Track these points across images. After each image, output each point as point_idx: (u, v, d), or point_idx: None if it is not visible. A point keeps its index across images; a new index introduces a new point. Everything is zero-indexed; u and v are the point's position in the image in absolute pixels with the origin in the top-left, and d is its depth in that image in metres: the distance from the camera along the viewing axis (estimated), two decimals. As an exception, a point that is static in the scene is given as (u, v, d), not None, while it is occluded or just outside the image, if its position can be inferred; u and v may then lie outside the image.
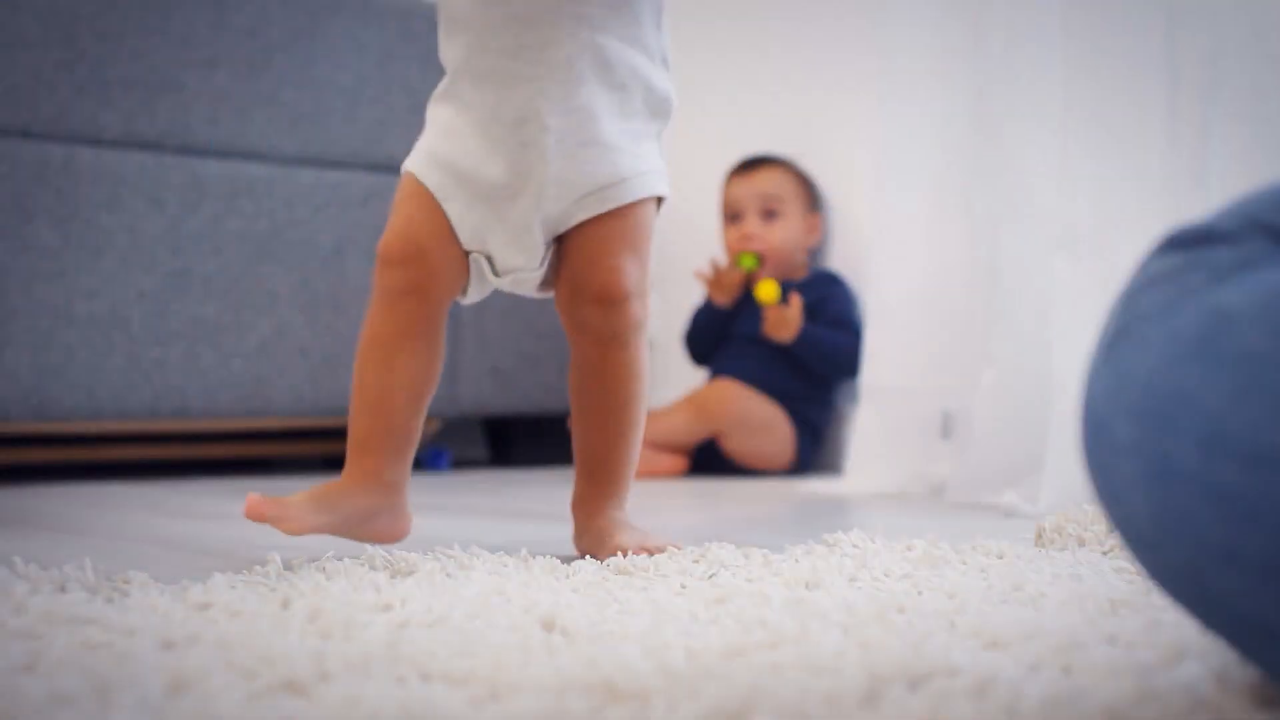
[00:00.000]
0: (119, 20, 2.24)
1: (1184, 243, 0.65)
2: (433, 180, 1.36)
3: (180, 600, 0.95)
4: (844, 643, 0.77)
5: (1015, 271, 2.01)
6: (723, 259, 2.72)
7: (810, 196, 2.68)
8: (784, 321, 2.53)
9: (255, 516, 1.17)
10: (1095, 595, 0.96)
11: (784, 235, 2.64)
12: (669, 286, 2.92)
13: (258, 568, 1.11)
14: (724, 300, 2.64)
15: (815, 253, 2.71)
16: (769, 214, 2.64)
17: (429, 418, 1.47)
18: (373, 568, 1.13)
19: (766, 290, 2.54)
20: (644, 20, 1.35)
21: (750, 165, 2.69)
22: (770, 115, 2.77)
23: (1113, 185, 1.95)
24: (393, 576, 1.09)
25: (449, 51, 1.36)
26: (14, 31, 2.15)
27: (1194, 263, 0.63)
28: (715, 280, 2.64)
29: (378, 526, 1.27)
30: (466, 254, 1.34)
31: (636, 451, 1.40)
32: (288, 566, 1.14)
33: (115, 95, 2.23)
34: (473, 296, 1.39)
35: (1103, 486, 0.64)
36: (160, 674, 0.70)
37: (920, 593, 1.00)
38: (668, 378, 2.92)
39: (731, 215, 2.68)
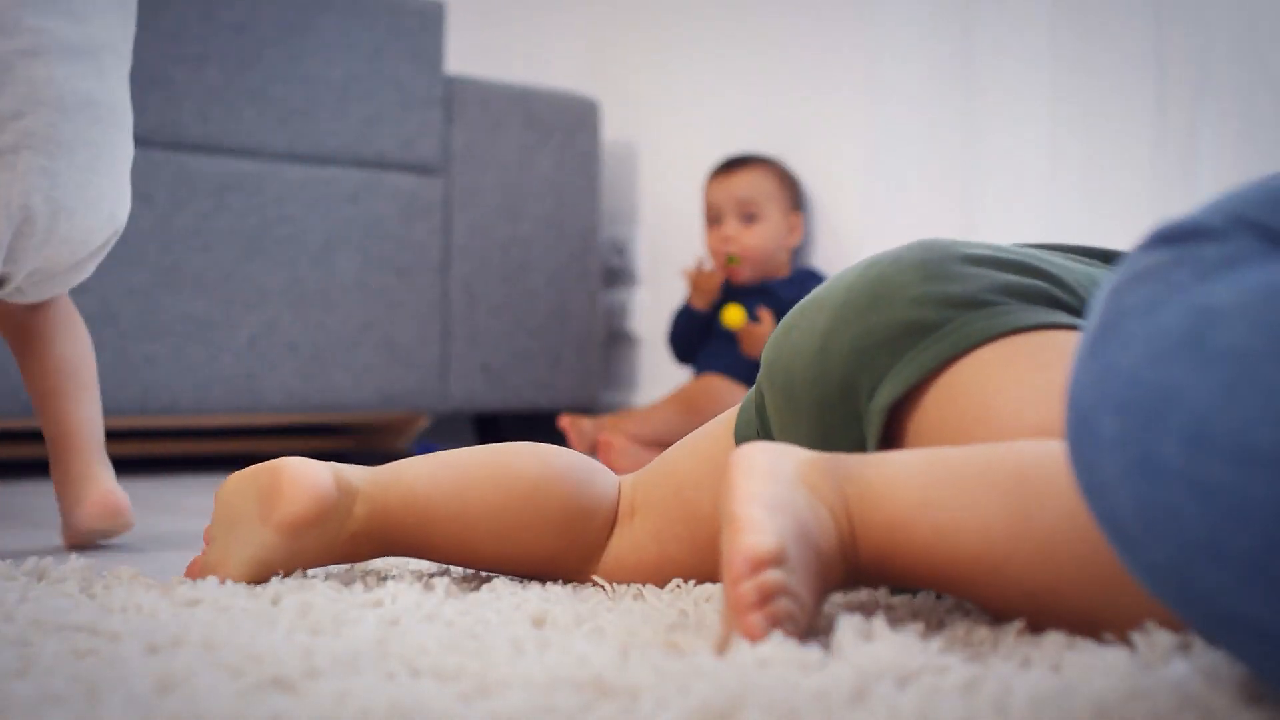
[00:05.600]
0: (107, 16, 2.24)
1: (1170, 238, 0.65)
2: None
3: (168, 597, 0.95)
4: (833, 639, 0.77)
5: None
6: (707, 260, 2.72)
7: (792, 196, 2.67)
8: (758, 339, 2.53)
9: None
10: (1083, 591, 0.95)
11: (763, 237, 2.63)
12: (658, 284, 2.91)
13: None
14: (701, 304, 2.65)
15: (798, 251, 2.71)
16: (748, 217, 2.64)
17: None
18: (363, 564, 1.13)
19: (731, 316, 2.53)
20: None
21: (729, 167, 2.68)
22: (760, 113, 2.77)
23: (1101, 181, 1.96)
24: (382, 574, 1.09)
25: None
26: (2, 27, 2.14)
27: (1180, 259, 0.63)
28: (695, 283, 2.64)
29: (79, 519, 1.40)
30: None
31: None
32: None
33: (104, 91, 2.22)
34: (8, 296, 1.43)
35: (1087, 482, 0.64)
36: (148, 671, 0.70)
37: (911, 589, 1.00)
38: (654, 374, 2.92)
39: (712, 218, 2.68)
